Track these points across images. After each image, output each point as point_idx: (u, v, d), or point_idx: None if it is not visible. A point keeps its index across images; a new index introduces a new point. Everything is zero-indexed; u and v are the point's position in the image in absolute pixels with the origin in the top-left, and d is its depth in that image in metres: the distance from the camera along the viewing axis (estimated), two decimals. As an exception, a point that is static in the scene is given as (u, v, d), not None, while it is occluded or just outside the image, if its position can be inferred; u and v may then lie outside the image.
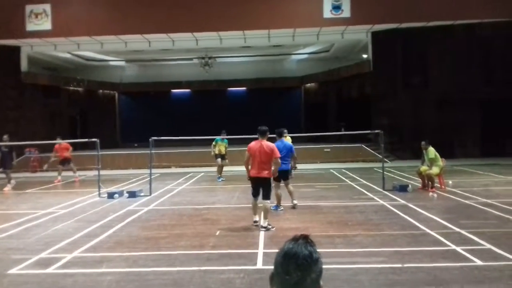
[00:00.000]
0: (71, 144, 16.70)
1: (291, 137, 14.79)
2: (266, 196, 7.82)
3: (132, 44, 22.92)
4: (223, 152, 15.24)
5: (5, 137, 14.47)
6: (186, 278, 5.27)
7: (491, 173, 15.32)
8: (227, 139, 15.34)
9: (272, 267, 1.52)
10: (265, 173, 7.74)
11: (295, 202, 9.70)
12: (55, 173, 16.48)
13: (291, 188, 9.76)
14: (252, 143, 7.89)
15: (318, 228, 7.69)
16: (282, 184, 9.53)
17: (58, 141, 16.30)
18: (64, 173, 16.28)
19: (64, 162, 16.17)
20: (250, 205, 8.28)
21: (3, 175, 14.82)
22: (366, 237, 6.98)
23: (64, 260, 6.12)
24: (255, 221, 7.97)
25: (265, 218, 7.65)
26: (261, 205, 7.80)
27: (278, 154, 7.92)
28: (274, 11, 20.34)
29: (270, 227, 7.63)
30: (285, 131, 14.78)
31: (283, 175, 9.38)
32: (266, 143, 7.79)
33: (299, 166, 15.59)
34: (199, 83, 29.80)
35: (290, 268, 1.44)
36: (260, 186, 7.87)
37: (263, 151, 7.69)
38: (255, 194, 7.98)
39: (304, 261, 1.45)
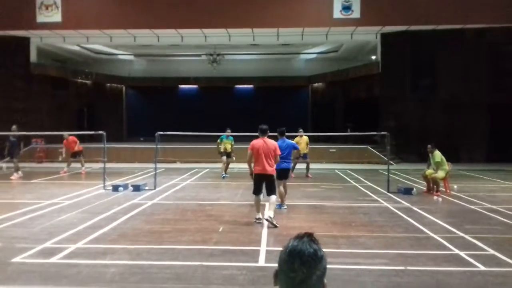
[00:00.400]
0: (78, 136, 16.80)
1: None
2: (273, 191, 8.02)
3: (141, 39, 22.96)
4: (229, 149, 15.25)
5: (14, 127, 14.61)
6: (189, 273, 5.29)
7: (497, 178, 15.23)
8: (232, 136, 15.35)
9: (275, 264, 1.52)
10: (270, 170, 7.93)
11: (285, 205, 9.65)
12: (61, 164, 16.59)
13: (287, 189, 9.81)
14: (255, 141, 8.06)
15: (322, 228, 7.68)
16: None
17: (65, 133, 16.35)
18: (71, 165, 16.39)
19: (75, 155, 16.39)
20: (253, 203, 8.26)
21: (11, 164, 14.98)
22: (370, 238, 6.97)
23: (68, 250, 6.16)
24: (258, 218, 7.98)
25: (272, 209, 7.81)
26: (266, 201, 8.00)
27: (279, 152, 8.22)
28: (284, 9, 20.31)
29: (275, 222, 7.65)
30: (301, 130, 15.18)
31: (284, 174, 9.47)
32: (268, 141, 8.07)
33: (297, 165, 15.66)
34: (207, 79, 29.81)
35: (295, 265, 1.44)
36: (265, 183, 8.02)
37: (266, 148, 7.90)
38: (258, 192, 8.04)
39: (309, 258, 1.45)
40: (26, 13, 20.61)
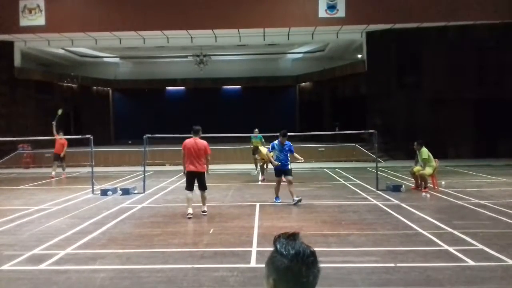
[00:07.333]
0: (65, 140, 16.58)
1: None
2: (204, 187, 8.85)
3: (127, 41, 22.80)
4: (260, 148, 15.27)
5: None
6: (180, 276, 5.26)
7: (484, 174, 15.41)
8: (260, 135, 15.48)
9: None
10: (199, 168, 8.60)
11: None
12: (48, 169, 16.38)
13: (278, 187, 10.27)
14: (187, 141, 8.76)
15: (312, 227, 7.71)
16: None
17: (60, 136, 15.88)
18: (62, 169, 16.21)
19: (57, 157, 16.06)
20: (187, 200, 8.80)
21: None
22: (360, 236, 7.00)
23: (57, 256, 6.09)
24: (190, 213, 8.55)
25: (204, 204, 8.92)
26: (197, 194, 8.94)
27: (210, 151, 8.82)
28: (270, 10, 20.32)
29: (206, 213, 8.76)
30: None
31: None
32: (199, 141, 8.70)
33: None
34: (194, 80, 29.73)
35: (303, 270, 1.40)
36: (196, 179, 8.73)
37: (196, 148, 8.57)
38: (189, 188, 8.71)
39: (311, 258, 1.43)
40: (9, 17, 20.34)
